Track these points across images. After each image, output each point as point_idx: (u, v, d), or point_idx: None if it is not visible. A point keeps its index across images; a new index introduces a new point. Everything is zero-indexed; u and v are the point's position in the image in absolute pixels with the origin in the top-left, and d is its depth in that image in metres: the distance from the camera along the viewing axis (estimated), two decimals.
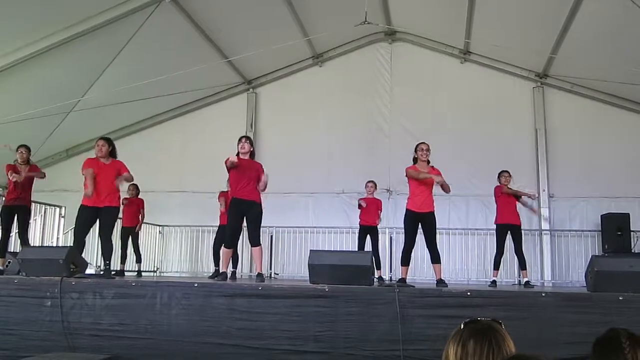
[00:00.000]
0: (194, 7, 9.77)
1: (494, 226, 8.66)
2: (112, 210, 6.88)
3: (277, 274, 11.49)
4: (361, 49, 12.62)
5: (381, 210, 9.37)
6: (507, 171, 8.66)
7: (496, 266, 8.44)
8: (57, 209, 10.58)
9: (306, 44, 11.79)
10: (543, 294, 5.14)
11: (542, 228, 11.27)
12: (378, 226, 9.32)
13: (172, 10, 9.42)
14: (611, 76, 10.22)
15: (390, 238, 11.32)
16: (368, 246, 9.10)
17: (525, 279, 8.37)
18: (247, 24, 10.54)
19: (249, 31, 10.73)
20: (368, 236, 9.11)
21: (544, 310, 4.90)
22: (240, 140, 7.18)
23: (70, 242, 10.49)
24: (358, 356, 5.00)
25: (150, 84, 9.55)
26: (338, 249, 10.35)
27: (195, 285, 5.63)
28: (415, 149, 7.47)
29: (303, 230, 11.60)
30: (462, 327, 1.87)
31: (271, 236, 11.75)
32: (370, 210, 9.13)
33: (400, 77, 12.29)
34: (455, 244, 11.06)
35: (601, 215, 10.57)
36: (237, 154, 7.07)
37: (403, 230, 10.70)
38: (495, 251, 8.50)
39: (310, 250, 6.49)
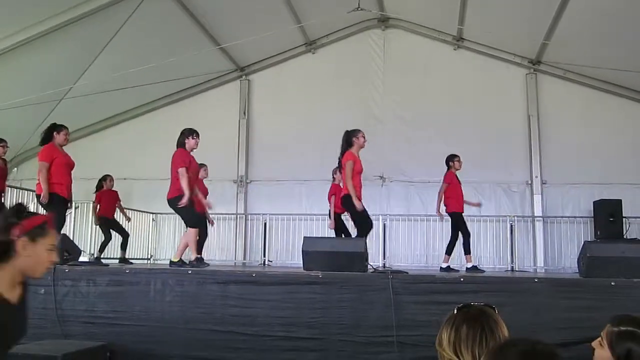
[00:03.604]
0: None
1: (456, 212, 8.54)
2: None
3: (271, 261, 11.50)
4: (354, 35, 12.54)
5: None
6: (458, 155, 8.59)
7: (469, 250, 8.34)
8: None
9: (299, 30, 11.72)
10: (536, 280, 5.19)
11: (535, 215, 11.31)
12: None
13: None
14: (604, 63, 10.22)
15: (384, 225, 11.35)
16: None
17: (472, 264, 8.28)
18: (239, 11, 10.45)
19: (242, 18, 10.64)
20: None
21: (537, 296, 4.94)
22: (197, 135, 7.19)
23: (63, 230, 10.50)
24: (351, 342, 5.03)
25: (142, 71, 9.49)
26: (332, 236, 10.35)
27: (189, 272, 5.64)
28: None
29: (297, 217, 11.59)
30: (455, 312, 1.88)
31: (265, 223, 11.75)
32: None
33: (393, 64, 12.23)
34: (448, 230, 11.06)
35: (594, 202, 10.59)
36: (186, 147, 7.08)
37: (397, 217, 10.90)
38: (463, 237, 8.35)
39: (304, 237, 6.51)
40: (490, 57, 11.92)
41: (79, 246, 7.85)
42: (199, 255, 6.94)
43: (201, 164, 8.49)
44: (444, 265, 8.26)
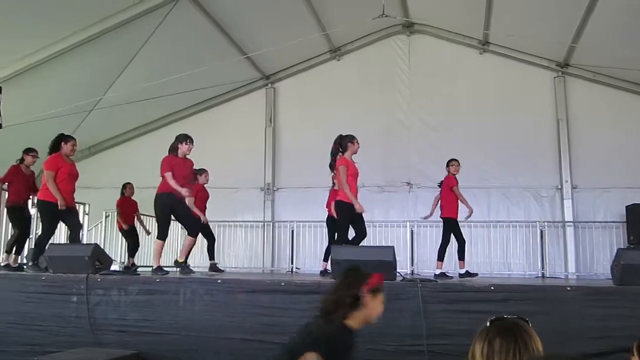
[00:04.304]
0: (211, 4, 9.78)
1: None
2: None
3: (299, 268, 11.53)
4: (379, 41, 12.54)
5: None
6: (456, 160, 8.47)
7: (443, 257, 8.25)
8: (81, 206, 10.69)
9: (324, 38, 11.76)
10: (568, 288, 5.10)
11: (565, 220, 11.14)
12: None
13: (189, 7, 9.45)
14: (635, 64, 10.02)
15: (412, 231, 11.30)
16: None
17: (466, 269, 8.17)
18: (264, 20, 10.54)
19: (267, 27, 10.73)
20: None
21: (569, 305, 4.86)
22: (191, 141, 7.34)
23: (94, 240, 10.69)
24: (380, 351, 5.00)
25: (169, 81, 9.61)
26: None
27: (219, 281, 5.68)
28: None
29: (324, 224, 11.54)
30: (488, 325, 1.87)
31: (292, 231, 11.80)
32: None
33: (418, 69, 12.19)
34: (477, 236, 10.99)
35: (626, 206, 10.37)
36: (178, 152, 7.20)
37: (425, 223, 10.81)
38: (442, 242, 8.28)
39: (332, 246, 6.51)
40: (517, 61, 11.80)
41: (110, 255, 7.97)
42: (160, 265, 6.93)
43: (201, 169, 8.49)
44: (462, 271, 8.17)
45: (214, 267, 8.79)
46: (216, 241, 9.98)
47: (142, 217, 10.41)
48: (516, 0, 10.00)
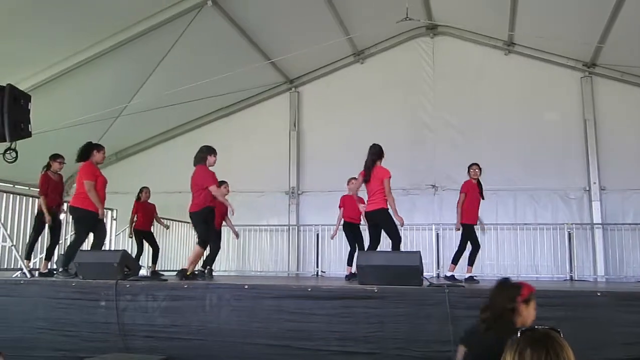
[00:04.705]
0: (235, 10, 9.86)
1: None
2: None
3: (324, 272, 11.54)
4: (402, 44, 12.51)
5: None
6: (477, 164, 8.34)
7: (473, 262, 8.18)
8: (109, 212, 10.83)
9: (347, 41, 11.75)
10: (599, 294, 5.00)
11: (594, 222, 10.96)
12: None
13: (214, 14, 9.52)
14: None
15: (437, 235, 11.22)
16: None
17: (470, 275, 8.08)
18: (288, 25, 10.60)
19: (290, 31, 10.78)
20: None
21: (599, 310, 4.78)
22: (216, 153, 7.38)
23: (122, 245, 10.81)
24: (408, 357, 4.98)
25: (194, 86, 9.70)
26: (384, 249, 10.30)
27: (245, 287, 5.70)
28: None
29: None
30: (519, 335, 1.86)
31: (317, 234, 11.81)
32: (353, 207, 8.64)
33: (443, 72, 12.14)
34: (504, 239, 10.88)
35: None
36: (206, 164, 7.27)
37: (451, 226, 10.73)
38: (473, 248, 8.17)
39: (359, 252, 6.50)
40: (543, 62, 11.69)
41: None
42: (195, 271, 7.12)
43: (222, 181, 8.50)
44: (449, 274, 8.12)
45: (201, 273, 8.82)
46: (241, 246, 10.08)
47: (163, 220, 10.51)
48: (541, 0, 9.88)
